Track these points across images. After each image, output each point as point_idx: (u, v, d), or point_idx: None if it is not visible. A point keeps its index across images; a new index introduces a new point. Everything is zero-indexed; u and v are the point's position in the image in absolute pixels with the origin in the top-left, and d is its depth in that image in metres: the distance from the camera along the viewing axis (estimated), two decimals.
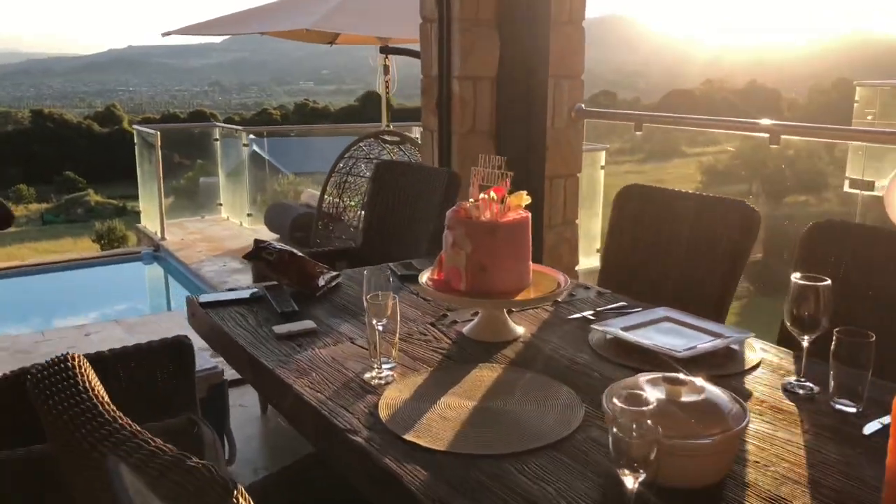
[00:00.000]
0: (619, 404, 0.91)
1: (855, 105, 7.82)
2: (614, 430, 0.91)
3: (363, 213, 3.07)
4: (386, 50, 4.71)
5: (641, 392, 1.00)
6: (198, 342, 1.89)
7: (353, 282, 2.10)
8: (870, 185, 4.23)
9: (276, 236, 7.09)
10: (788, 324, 1.38)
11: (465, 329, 1.69)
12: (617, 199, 2.38)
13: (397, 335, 1.49)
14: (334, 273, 2.07)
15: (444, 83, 3.34)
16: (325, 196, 4.64)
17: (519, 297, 1.59)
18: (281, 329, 1.68)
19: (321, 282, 1.98)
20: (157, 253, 7.14)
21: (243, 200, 8.14)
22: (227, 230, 7.74)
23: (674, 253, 2.22)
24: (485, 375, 1.44)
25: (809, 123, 2.60)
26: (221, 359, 3.04)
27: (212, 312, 1.83)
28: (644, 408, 0.91)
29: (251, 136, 8.17)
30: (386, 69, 4.81)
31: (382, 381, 1.43)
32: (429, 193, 2.77)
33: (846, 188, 7.64)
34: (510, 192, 1.59)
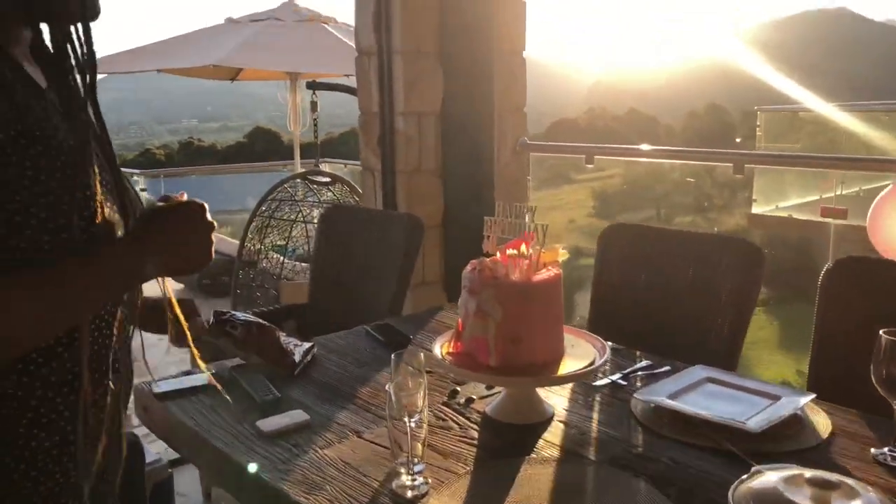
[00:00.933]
0: None
1: (757, 129, 8.19)
2: None
3: (311, 264, 2.77)
4: (315, 85, 4.43)
5: None
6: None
7: (328, 351, 1.81)
8: (843, 214, 4.28)
9: (180, 286, 6.57)
10: (879, 386, 1.22)
11: (489, 409, 1.44)
12: (602, 240, 2.20)
13: (425, 429, 1.22)
14: (308, 344, 1.77)
15: (387, 119, 3.10)
16: (245, 242, 4.26)
17: (561, 372, 1.36)
18: (268, 426, 1.38)
19: (297, 356, 1.69)
20: None
21: None
22: None
23: (671, 298, 2.05)
24: (540, 473, 1.20)
25: (769, 153, 2.51)
26: (163, 446, 2.63)
27: (172, 406, 1.49)
28: None
29: (142, 178, 7.61)
30: (314, 105, 4.52)
31: (419, 493, 1.15)
32: (388, 241, 2.50)
33: (753, 209, 7.95)
34: (541, 245, 1.36)
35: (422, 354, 1.19)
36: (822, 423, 1.36)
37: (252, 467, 1.24)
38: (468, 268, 1.40)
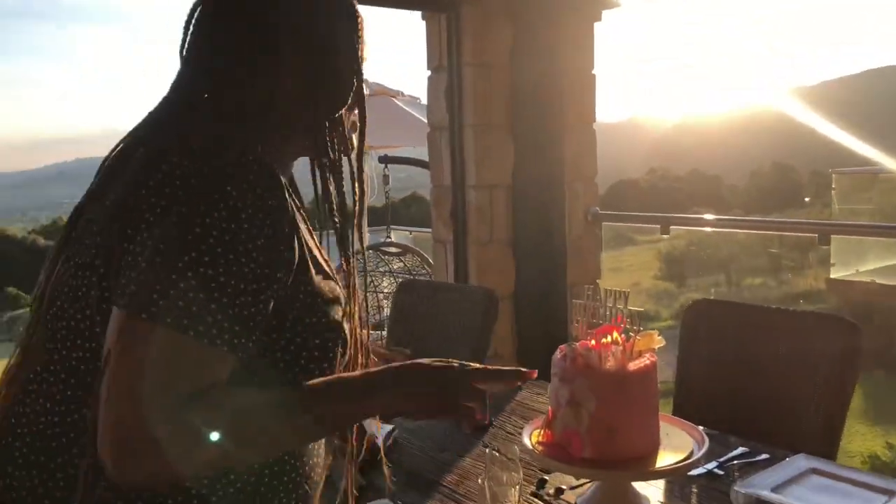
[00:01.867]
0: None
1: (833, 192, 7.97)
2: None
3: (386, 337, 2.76)
4: (386, 159, 4.53)
5: None
6: None
7: (407, 433, 1.78)
8: None
9: None
10: None
11: (581, 501, 1.38)
12: (687, 317, 2.14)
13: None
14: (389, 426, 1.75)
15: (459, 192, 3.14)
16: None
17: (659, 464, 1.30)
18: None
19: (380, 440, 1.66)
20: None
21: None
22: None
23: (762, 378, 1.96)
24: None
25: (855, 223, 2.42)
26: None
27: None
28: None
29: None
30: (386, 179, 4.62)
31: None
32: (462, 316, 2.49)
33: (832, 274, 7.68)
34: (636, 331, 1.32)
35: (516, 448, 1.15)
36: None
37: None
38: (558, 354, 1.37)
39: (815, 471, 1.45)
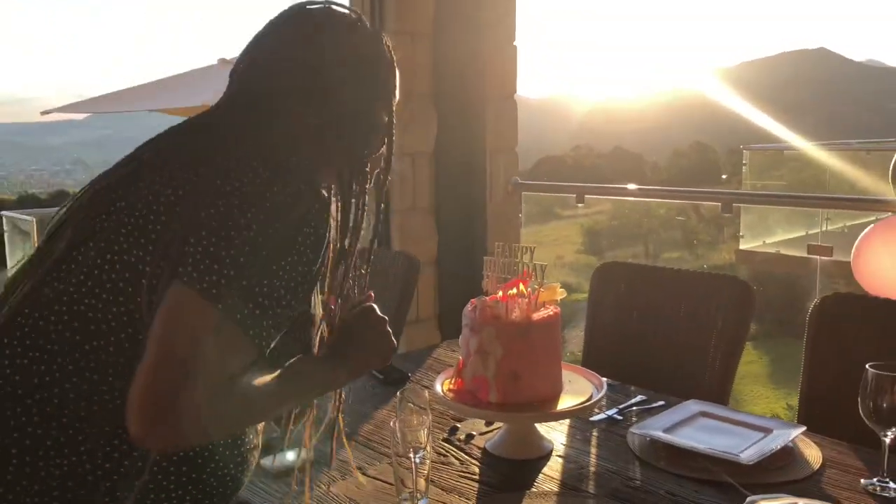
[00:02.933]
0: None
1: (743, 167, 8.33)
2: None
3: None
4: None
5: None
6: None
7: None
8: (828, 251, 4.37)
9: None
10: (866, 418, 1.26)
11: (489, 445, 1.46)
12: (595, 278, 2.25)
13: (429, 465, 1.25)
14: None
15: None
16: None
17: (558, 407, 1.39)
18: (273, 463, 1.40)
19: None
20: None
21: None
22: None
23: (664, 334, 2.09)
24: None
25: (757, 192, 2.58)
26: None
27: None
28: None
29: None
30: None
31: None
32: (384, 280, 2.54)
33: (741, 245, 8.05)
34: (540, 284, 1.40)
35: (426, 392, 1.22)
36: (813, 454, 1.40)
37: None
38: (468, 307, 1.45)
39: (703, 413, 1.58)
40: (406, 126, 3.12)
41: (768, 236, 7.92)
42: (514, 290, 1.41)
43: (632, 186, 3.19)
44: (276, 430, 1.53)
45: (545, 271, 1.40)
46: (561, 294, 1.43)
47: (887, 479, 1.27)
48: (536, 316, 1.39)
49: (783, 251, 6.84)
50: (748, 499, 1.05)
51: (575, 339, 2.30)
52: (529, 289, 1.41)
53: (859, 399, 1.27)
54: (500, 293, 1.42)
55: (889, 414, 1.24)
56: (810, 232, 7.80)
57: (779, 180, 10.56)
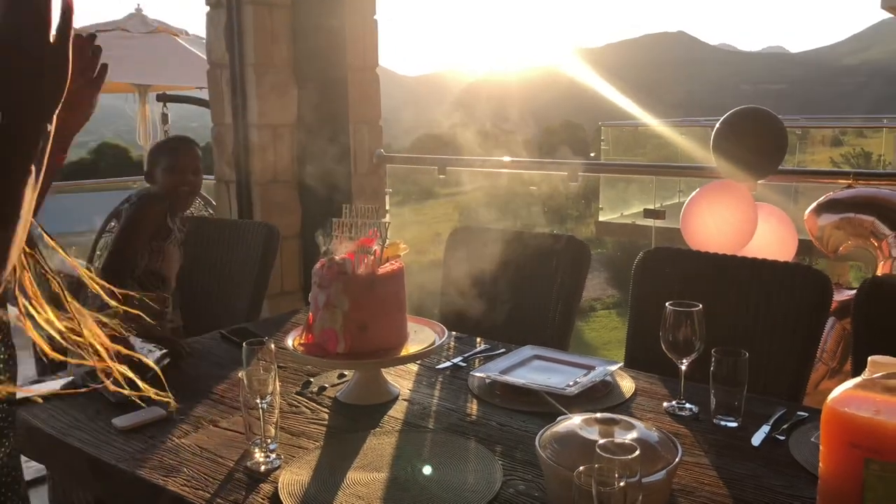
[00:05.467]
0: (603, 454, 0.87)
1: (602, 143, 8.80)
2: (594, 483, 0.86)
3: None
4: (165, 97, 4.36)
5: (616, 436, 0.97)
6: None
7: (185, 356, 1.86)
8: (661, 214, 4.70)
9: None
10: (666, 349, 1.45)
11: (340, 394, 1.56)
12: (448, 243, 2.38)
13: (277, 412, 1.32)
14: (163, 350, 1.82)
15: (241, 131, 3.16)
16: (94, 262, 4.12)
17: (403, 353, 1.50)
18: (124, 421, 1.43)
19: (151, 360, 1.72)
20: None
21: None
22: None
23: (511, 292, 2.25)
24: (382, 443, 1.33)
25: (597, 161, 2.79)
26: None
27: (22, 411, 1.50)
28: (631, 456, 0.87)
29: None
30: (164, 118, 4.44)
31: (271, 466, 1.26)
32: (244, 250, 2.57)
33: (600, 217, 8.52)
34: (384, 242, 1.50)
35: (272, 343, 1.29)
36: (627, 385, 1.58)
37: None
38: (317, 265, 1.52)
39: (537, 357, 1.74)
40: (266, 98, 3.13)
41: (626, 209, 8.44)
42: (361, 248, 1.49)
43: (489, 159, 3.35)
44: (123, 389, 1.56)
45: (388, 229, 1.49)
46: (404, 250, 1.53)
47: (684, 402, 1.47)
48: (381, 270, 1.49)
49: (638, 222, 7.31)
50: (559, 417, 1.20)
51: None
52: (375, 246, 1.51)
53: (660, 333, 1.45)
54: (347, 252, 1.50)
55: (684, 345, 1.43)
56: (665, 203, 8.37)
57: (641, 156, 11.22)
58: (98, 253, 4.46)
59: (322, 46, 3.22)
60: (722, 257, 1.94)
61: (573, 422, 1.13)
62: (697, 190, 2.76)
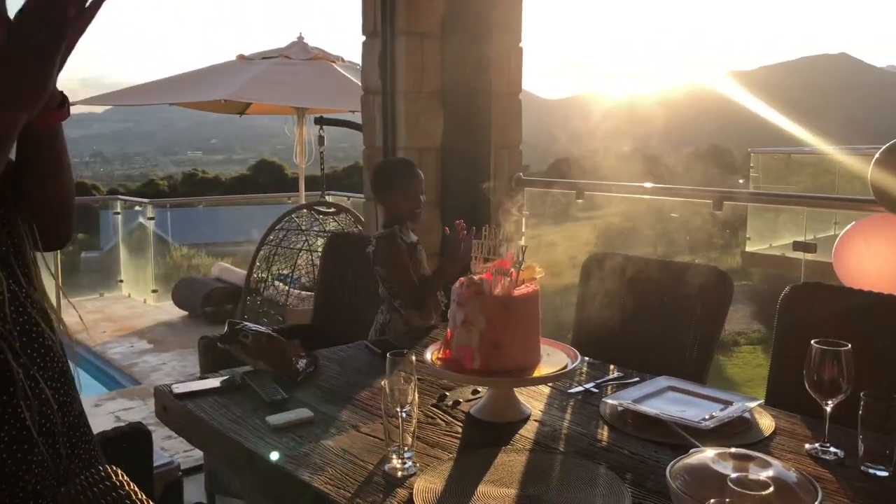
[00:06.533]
0: (736, 488, 0.87)
1: (751, 170, 8.43)
2: None
3: (316, 287, 2.95)
4: (322, 121, 4.67)
5: (750, 473, 0.97)
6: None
7: (330, 362, 1.99)
8: (812, 248, 4.48)
9: (184, 313, 6.76)
10: (811, 389, 1.40)
11: (473, 410, 1.61)
12: (584, 269, 2.39)
13: (415, 422, 1.40)
14: (312, 355, 1.95)
15: (389, 154, 3.32)
16: (254, 270, 4.46)
17: (535, 375, 1.54)
18: (277, 420, 1.55)
19: (300, 366, 1.86)
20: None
21: (146, 276, 7.75)
22: (130, 308, 7.32)
23: (648, 321, 2.23)
24: (513, 460, 1.37)
25: (744, 190, 2.70)
26: (173, 451, 2.80)
27: (190, 404, 1.67)
28: (765, 492, 0.87)
29: (151, 208, 7.81)
30: (321, 140, 4.75)
31: (407, 473, 1.33)
32: None
33: (747, 247, 8.15)
34: (521, 264, 1.55)
35: (413, 356, 1.37)
36: (767, 424, 1.54)
37: (274, 455, 1.40)
38: (457, 284, 1.59)
39: (671, 388, 1.72)
40: (414, 123, 3.28)
41: (775, 240, 8.02)
42: (499, 269, 1.55)
43: (629, 184, 3.32)
44: (279, 393, 1.69)
45: (525, 252, 1.54)
46: (539, 273, 1.57)
47: (828, 445, 1.41)
48: (517, 292, 1.54)
49: (787, 254, 6.93)
50: (691, 450, 1.19)
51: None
52: (512, 268, 1.56)
53: (804, 372, 1.40)
54: (485, 272, 1.56)
55: (830, 385, 1.38)
56: (819, 236, 7.89)
57: (795, 184, 10.63)
58: (258, 264, 4.81)
59: (468, 74, 3.33)
60: (877, 295, 1.84)
61: (706, 455, 1.12)
62: (853, 223, 2.62)
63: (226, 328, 1.89)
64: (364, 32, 3.37)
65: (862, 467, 1.33)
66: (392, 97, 3.27)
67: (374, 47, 3.30)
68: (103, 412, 4.35)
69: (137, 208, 8.04)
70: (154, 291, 7.56)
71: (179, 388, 1.74)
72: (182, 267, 8.72)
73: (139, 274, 7.88)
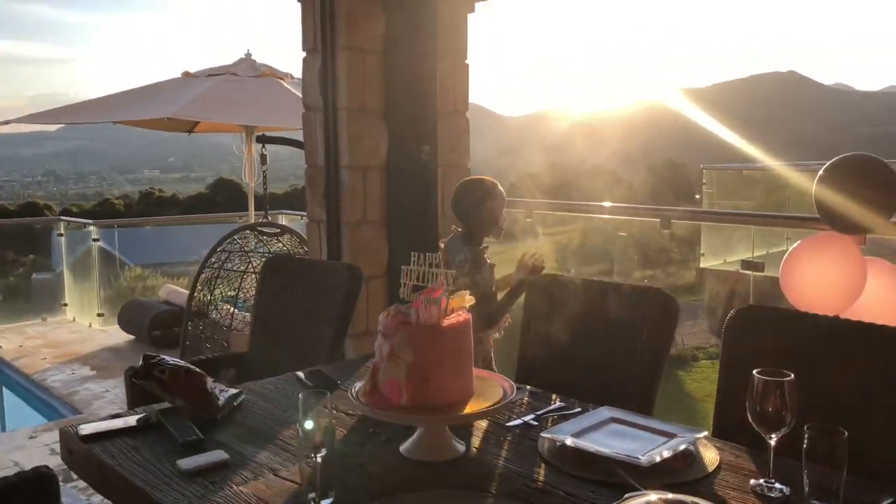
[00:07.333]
0: None
1: (703, 187, 8.51)
2: None
3: (252, 313, 2.81)
4: (263, 139, 4.54)
5: None
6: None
7: (257, 396, 1.87)
8: (760, 267, 4.48)
9: (131, 337, 6.53)
10: (754, 422, 1.33)
11: (403, 448, 1.51)
12: (529, 291, 2.31)
13: (333, 464, 1.29)
14: (235, 390, 1.83)
15: (332, 173, 3.21)
16: (195, 293, 4.30)
17: (467, 410, 1.44)
18: (187, 464, 1.43)
19: (221, 401, 1.74)
20: None
21: (92, 299, 7.48)
22: (74, 333, 7.04)
23: (593, 344, 2.16)
24: None
25: (691, 209, 2.66)
26: (91, 492, 2.62)
27: (96, 448, 1.54)
28: None
29: (96, 228, 7.54)
30: (263, 158, 4.62)
31: None
32: (327, 291, 2.58)
33: (702, 263, 8.20)
34: (450, 292, 1.46)
35: (329, 394, 1.26)
36: (711, 457, 1.46)
37: None
38: (383, 314, 1.49)
39: (614, 419, 1.64)
40: (356, 141, 3.18)
41: (729, 255, 8.09)
42: (426, 298, 1.46)
43: (579, 203, 3.27)
44: (194, 433, 1.57)
45: (454, 280, 1.45)
46: (469, 301, 1.48)
47: (773, 481, 1.33)
48: (447, 322, 1.44)
49: (742, 270, 6.98)
50: (625, 496, 1.11)
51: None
52: (442, 296, 1.46)
53: (747, 403, 1.33)
54: (414, 301, 1.47)
55: (774, 418, 1.31)
56: (771, 251, 7.97)
57: (749, 200, 10.76)
58: (199, 287, 4.64)
59: (413, 91, 3.25)
60: (824, 319, 1.79)
61: (641, 502, 1.03)
62: (798, 242, 2.59)
63: (140, 361, 1.75)
64: (304, 48, 3.27)
65: None
66: (333, 114, 3.17)
67: (314, 63, 3.20)
68: (38, 444, 4.14)
69: (85, 230, 7.78)
70: (100, 315, 7.29)
71: (86, 430, 1.61)
72: (136, 289, 8.46)
73: (84, 297, 7.61)
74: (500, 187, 2.87)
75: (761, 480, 1.35)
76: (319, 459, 1.23)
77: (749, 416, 1.33)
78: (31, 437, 4.26)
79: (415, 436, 1.51)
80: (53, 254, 8.51)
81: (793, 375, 1.31)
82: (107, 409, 4.79)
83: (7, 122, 5.94)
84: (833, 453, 1.23)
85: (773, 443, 1.32)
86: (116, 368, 5.68)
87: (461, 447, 1.51)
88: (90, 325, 7.24)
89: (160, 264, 10.21)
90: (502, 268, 2.95)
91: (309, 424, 1.24)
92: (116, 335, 6.72)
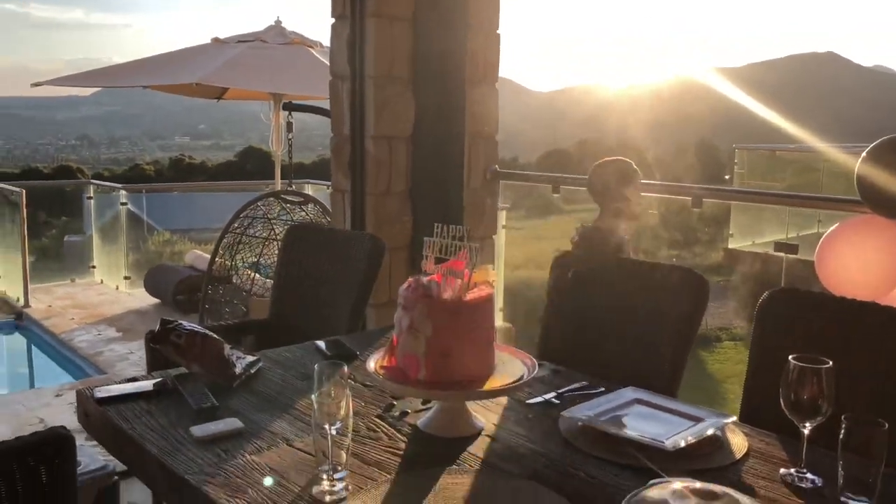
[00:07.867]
0: None
1: (735, 167, 8.33)
2: None
3: (273, 281, 2.79)
4: (289, 106, 4.50)
5: None
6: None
7: (274, 364, 1.85)
8: (794, 249, 4.37)
9: (156, 301, 6.59)
10: (787, 410, 1.27)
11: (420, 422, 1.47)
12: (554, 267, 2.25)
13: (349, 438, 1.26)
14: (252, 358, 1.81)
15: (357, 142, 3.16)
16: (216, 258, 4.30)
17: (487, 386, 1.40)
18: (201, 431, 1.41)
19: (238, 369, 1.72)
20: (18, 322, 6.42)
21: (119, 262, 7.56)
22: (101, 294, 7.12)
23: (618, 323, 2.10)
24: (457, 483, 1.23)
25: (722, 188, 2.57)
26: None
27: (111, 411, 1.52)
28: None
29: (125, 193, 7.60)
30: (290, 126, 4.57)
31: (336, 498, 1.19)
32: (349, 260, 2.55)
33: (729, 244, 8.05)
34: (473, 266, 1.41)
35: (345, 366, 1.23)
36: (739, 443, 1.41)
37: (268, 481, 1.25)
38: (403, 285, 1.45)
39: (638, 401, 1.59)
40: (382, 110, 3.13)
41: (758, 237, 7.93)
42: (450, 270, 1.41)
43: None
44: (209, 400, 1.55)
45: (479, 253, 1.40)
46: (493, 276, 1.43)
47: (805, 471, 1.28)
48: (469, 296, 1.40)
49: (771, 252, 6.84)
50: (650, 482, 1.06)
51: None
52: (465, 269, 1.42)
53: (781, 390, 1.27)
54: (436, 273, 1.42)
55: (809, 406, 1.25)
56: (802, 233, 7.79)
57: (780, 181, 10.52)
58: (220, 252, 4.64)
59: (442, 60, 3.18)
60: (861, 304, 1.71)
61: (666, 491, 0.99)
62: (837, 224, 2.50)
63: (158, 326, 1.73)
64: (333, 14, 3.21)
65: (842, 497, 1.20)
66: (360, 82, 3.12)
67: (342, 30, 3.14)
68: (63, 402, 4.19)
69: (114, 193, 7.84)
70: (127, 278, 7.37)
71: (102, 393, 1.59)
72: (164, 253, 8.53)
73: (112, 260, 7.70)
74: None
75: (792, 470, 1.29)
76: (334, 431, 1.20)
77: (782, 402, 1.27)
78: (57, 395, 4.32)
79: (433, 410, 1.48)
80: (85, 217, 8.60)
81: (831, 363, 1.25)
82: (130, 370, 4.84)
83: (39, 84, 5.96)
84: (871, 445, 1.18)
85: (806, 431, 1.26)
86: (141, 331, 5.73)
87: (480, 424, 1.47)
88: (117, 288, 7.32)
89: (187, 230, 10.29)
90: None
91: (324, 395, 1.20)
92: (142, 298, 6.79)
